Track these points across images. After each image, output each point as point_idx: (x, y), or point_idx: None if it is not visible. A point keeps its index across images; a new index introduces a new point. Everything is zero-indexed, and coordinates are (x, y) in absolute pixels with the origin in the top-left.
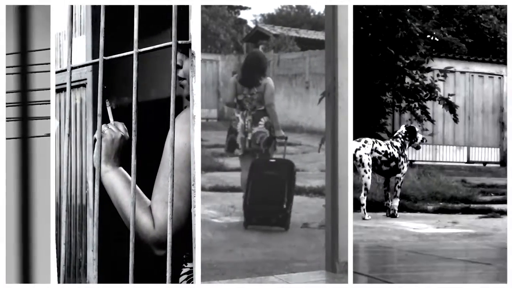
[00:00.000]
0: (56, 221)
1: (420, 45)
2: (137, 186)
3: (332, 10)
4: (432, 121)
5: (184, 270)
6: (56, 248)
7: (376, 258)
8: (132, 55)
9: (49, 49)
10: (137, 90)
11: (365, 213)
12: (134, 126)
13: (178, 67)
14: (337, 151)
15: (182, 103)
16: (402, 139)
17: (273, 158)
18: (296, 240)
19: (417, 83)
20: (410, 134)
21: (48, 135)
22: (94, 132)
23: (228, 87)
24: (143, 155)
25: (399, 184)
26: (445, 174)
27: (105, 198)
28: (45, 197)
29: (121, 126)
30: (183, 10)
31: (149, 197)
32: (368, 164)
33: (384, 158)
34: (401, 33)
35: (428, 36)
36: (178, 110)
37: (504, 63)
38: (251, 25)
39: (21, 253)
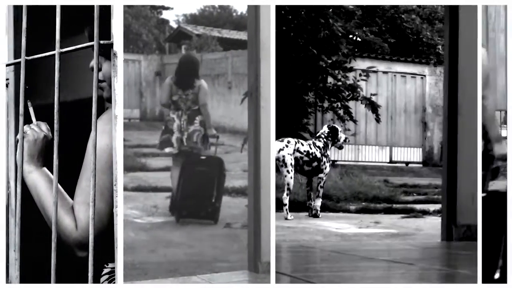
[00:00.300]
0: None
1: (342, 45)
2: (60, 187)
3: (254, 10)
4: (355, 121)
5: (106, 270)
6: None
7: (298, 258)
8: (54, 55)
9: None
10: (59, 90)
11: (287, 213)
12: (56, 126)
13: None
14: (259, 151)
15: (104, 103)
16: (324, 139)
17: (204, 155)
18: (219, 240)
19: (340, 83)
20: (333, 134)
21: None
22: (16, 133)
23: (163, 88)
24: (66, 155)
25: (321, 184)
26: (368, 174)
27: (27, 198)
28: None
29: (43, 126)
30: (105, 10)
31: (73, 198)
32: (291, 164)
33: (306, 158)
34: (323, 33)
35: (351, 36)
36: (100, 111)
37: (427, 63)
38: (174, 25)
39: None
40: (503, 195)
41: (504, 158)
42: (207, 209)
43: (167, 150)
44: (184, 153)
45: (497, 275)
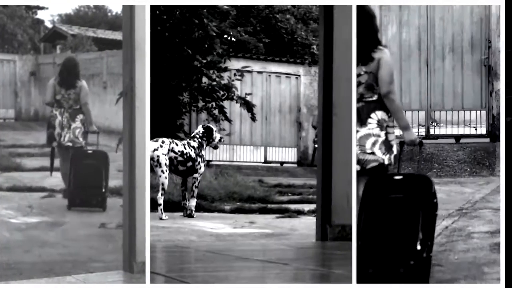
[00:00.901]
0: None
1: (216, 45)
2: None
3: (129, 10)
4: (230, 121)
5: None
6: None
7: (173, 258)
8: None
9: None
10: None
11: (162, 213)
12: None
13: None
14: (134, 151)
15: None
16: (199, 139)
17: (90, 149)
18: (94, 240)
19: (214, 83)
20: (208, 134)
21: None
22: None
23: (48, 89)
24: None
25: (196, 184)
26: (243, 174)
27: None
28: None
29: None
30: None
31: None
32: (165, 164)
33: (180, 158)
34: (198, 33)
35: (225, 36)
36: None
37: (301, 63)
38: (49, 25)
39: None
40: (417, 176)
41: (413, 143)
42: (98, 198)
43: (54, 144)
44: (67, 148)
45: (418, 247)
